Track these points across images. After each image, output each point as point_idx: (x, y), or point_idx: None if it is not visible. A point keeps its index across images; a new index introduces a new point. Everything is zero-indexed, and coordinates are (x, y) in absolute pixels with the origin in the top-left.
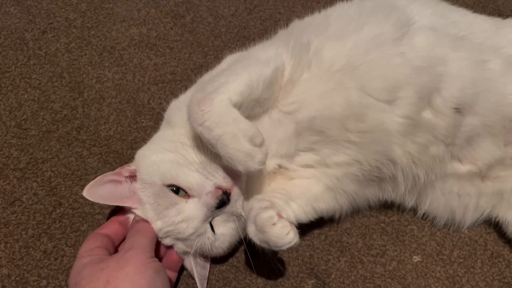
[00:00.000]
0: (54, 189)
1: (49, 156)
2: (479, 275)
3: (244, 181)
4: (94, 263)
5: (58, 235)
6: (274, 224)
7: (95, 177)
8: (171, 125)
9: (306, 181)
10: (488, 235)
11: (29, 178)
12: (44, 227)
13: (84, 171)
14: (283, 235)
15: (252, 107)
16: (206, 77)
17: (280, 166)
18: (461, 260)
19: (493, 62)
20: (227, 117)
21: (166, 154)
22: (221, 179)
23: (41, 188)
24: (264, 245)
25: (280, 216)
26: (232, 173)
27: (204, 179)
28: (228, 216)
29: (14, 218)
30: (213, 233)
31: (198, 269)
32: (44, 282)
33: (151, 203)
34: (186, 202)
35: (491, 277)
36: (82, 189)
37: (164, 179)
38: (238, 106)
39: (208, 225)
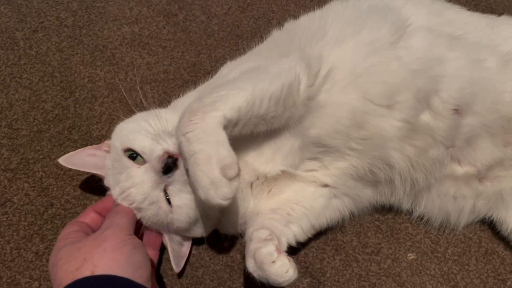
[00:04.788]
0: (46, 190)
1: (41, 156)
2: (473, 272)
3: None
4: (71, 243)
5: (50, 236)
6: (273, 262)
7: (87, 178)
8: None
9: (309, 195)
10: (482, 233)
11: (20, 179)
12: (35, 228)
13: (76, 171)
14: (282, 274)
15: (256, 124)
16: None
17: (283, 172)
18: (455, 258)
19: (489, 60)
20: (211, 136)
21: (133, 122)
22: (171, 144)
23: (32, 188)
24: (263, 280)
25: (279, 251)
26: None
27: (155, 144)
28: (181, 186)
29: (5, 219)
30: (168, 204)
31: (173, 246)
32: (36, 283)
33: (110, 168)
34: (139, 167)
35: (486, 274)
36: (74, 190)
37: (122, 143)
38: (234, 122)
39: (162, 194)
